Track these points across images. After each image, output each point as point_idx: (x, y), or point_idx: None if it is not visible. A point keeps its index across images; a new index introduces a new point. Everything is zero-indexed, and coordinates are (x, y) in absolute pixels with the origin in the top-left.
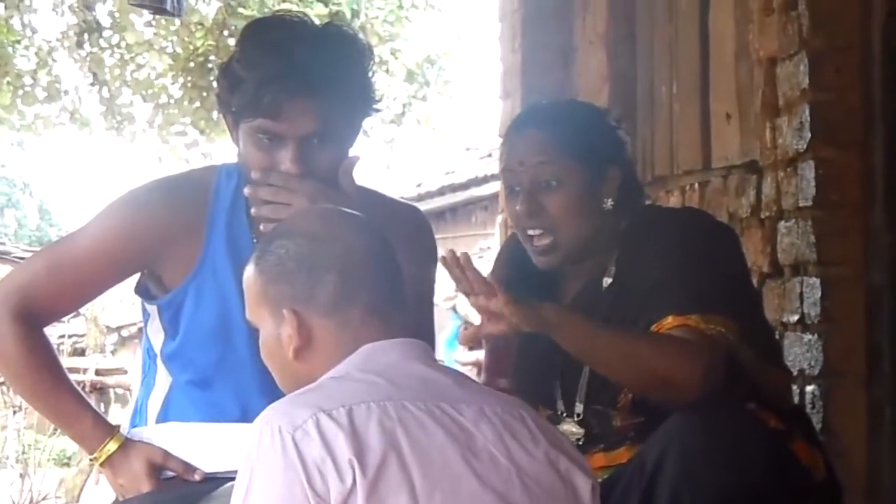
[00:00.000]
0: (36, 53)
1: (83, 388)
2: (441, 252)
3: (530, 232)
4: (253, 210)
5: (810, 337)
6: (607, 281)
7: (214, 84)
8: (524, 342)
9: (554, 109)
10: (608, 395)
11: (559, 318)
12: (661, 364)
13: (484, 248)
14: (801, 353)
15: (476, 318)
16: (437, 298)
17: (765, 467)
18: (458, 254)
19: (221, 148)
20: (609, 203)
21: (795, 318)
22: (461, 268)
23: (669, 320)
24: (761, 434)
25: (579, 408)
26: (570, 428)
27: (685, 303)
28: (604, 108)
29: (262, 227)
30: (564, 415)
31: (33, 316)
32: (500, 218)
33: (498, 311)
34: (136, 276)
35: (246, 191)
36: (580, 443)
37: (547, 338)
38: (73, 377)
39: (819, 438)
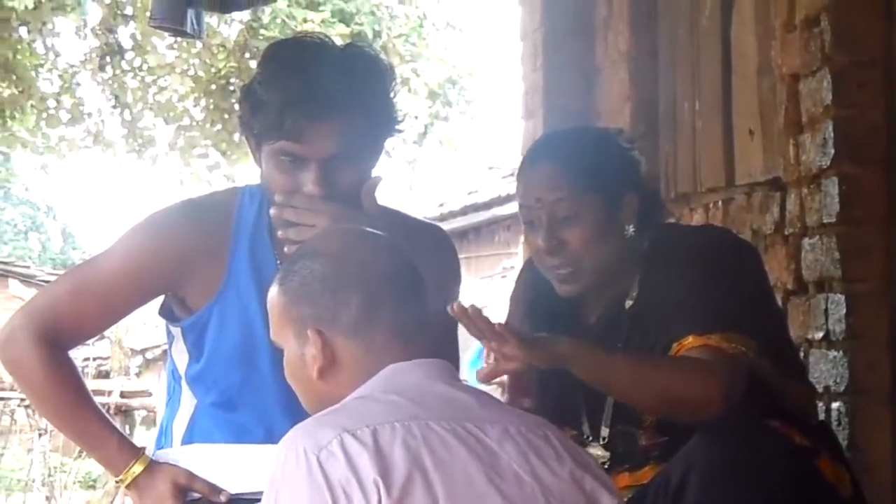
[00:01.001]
0: (59, 76)
1: (108, 411)
2: (464, 271)
3: (556, 272)
4: (279, 233)
5: (835, 353)
6: (629, 303)
7: (236, 106)
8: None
9: (567, 141)
10: (634, 415)
11: (574, 352)
12: (680, 387)
13: (507, 268)
14: (826, 369)
15: None
16: None
17: (789, 484)
18: (468, 306)
19: (243, 170)
20: (630, 230)
21: (820, 334)
22: (470, 318)
23: (690, 340)
24: (786, 451)
25: (605, 431)
26: (596, 451)
27: (705, 322)
28: (615, 131)
29: (286, 250)
30: (590, 438)
31: (58, 339)
32: (523, 237)
33: (512, 354)
34: (161, 299)
35: (271, 213)
36: (605, 466)
37: None
38: (97, 400)
39: (845, 455)
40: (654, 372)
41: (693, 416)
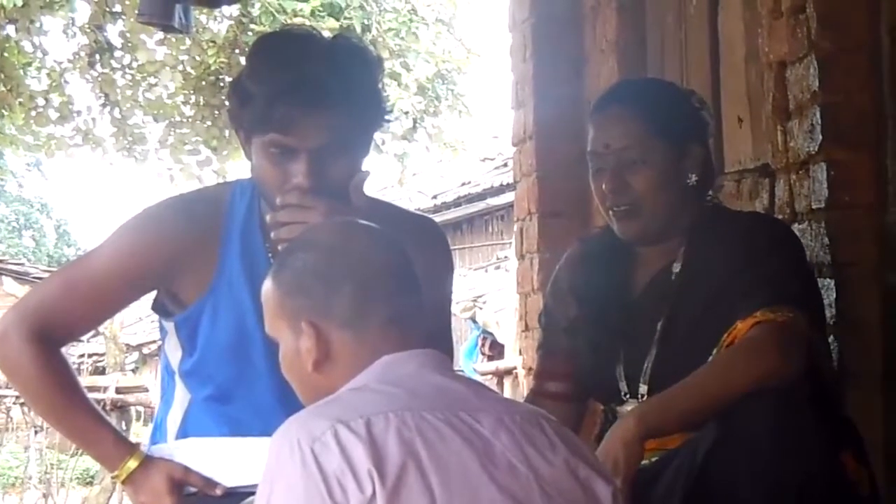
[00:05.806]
0: (48, 75)
1: (103, 407)
2: (459, 262)
3: (615, 209)
4: (272, 234)
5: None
6: (677, 266)
7: (226, 102)
8: (587, 331)
9: (637, 88)
10: (670, 380)
11: (640, 420)
12: (742, 380)
13: (501, 258)
14: None
15: (494, 328)
16: (455, 309)
17: (820, 470)
18: None
19: (234, 167)
20: (693, 178)
21: None
22: None
23: (738, 327)
24: (823, 438)
25: (643, 388)
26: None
27: (750, 303)
28: (687, 90)
29: (280, 248)
30: (628, 396)
31: (50, 336)
32: (516, 227)
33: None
34: (154, 294)
35: (267, 219)
36: None
37: (610, 326)
38: (93, 396)
39: (868, 457)
40: (713, 380)
41: (769, 387)
